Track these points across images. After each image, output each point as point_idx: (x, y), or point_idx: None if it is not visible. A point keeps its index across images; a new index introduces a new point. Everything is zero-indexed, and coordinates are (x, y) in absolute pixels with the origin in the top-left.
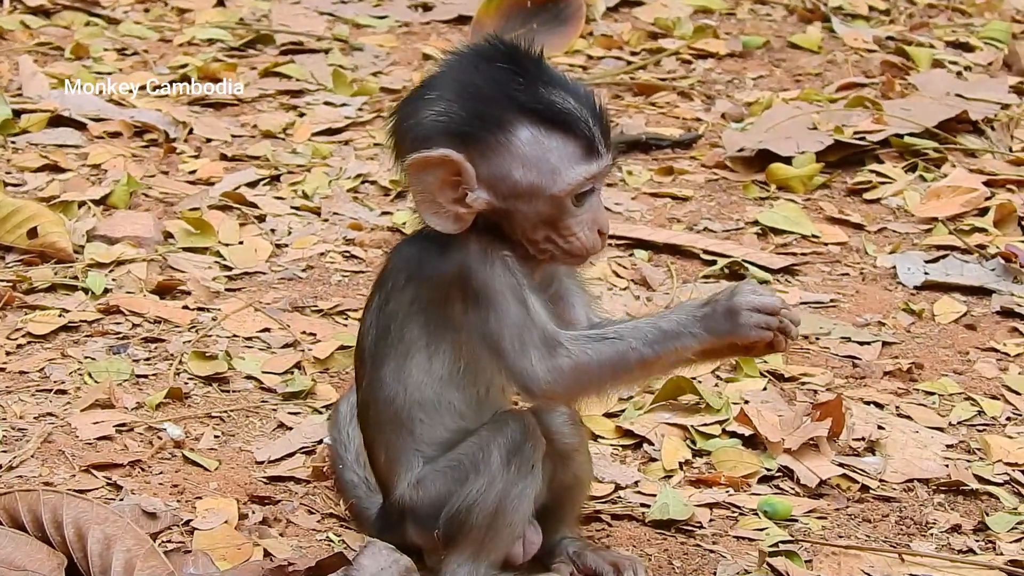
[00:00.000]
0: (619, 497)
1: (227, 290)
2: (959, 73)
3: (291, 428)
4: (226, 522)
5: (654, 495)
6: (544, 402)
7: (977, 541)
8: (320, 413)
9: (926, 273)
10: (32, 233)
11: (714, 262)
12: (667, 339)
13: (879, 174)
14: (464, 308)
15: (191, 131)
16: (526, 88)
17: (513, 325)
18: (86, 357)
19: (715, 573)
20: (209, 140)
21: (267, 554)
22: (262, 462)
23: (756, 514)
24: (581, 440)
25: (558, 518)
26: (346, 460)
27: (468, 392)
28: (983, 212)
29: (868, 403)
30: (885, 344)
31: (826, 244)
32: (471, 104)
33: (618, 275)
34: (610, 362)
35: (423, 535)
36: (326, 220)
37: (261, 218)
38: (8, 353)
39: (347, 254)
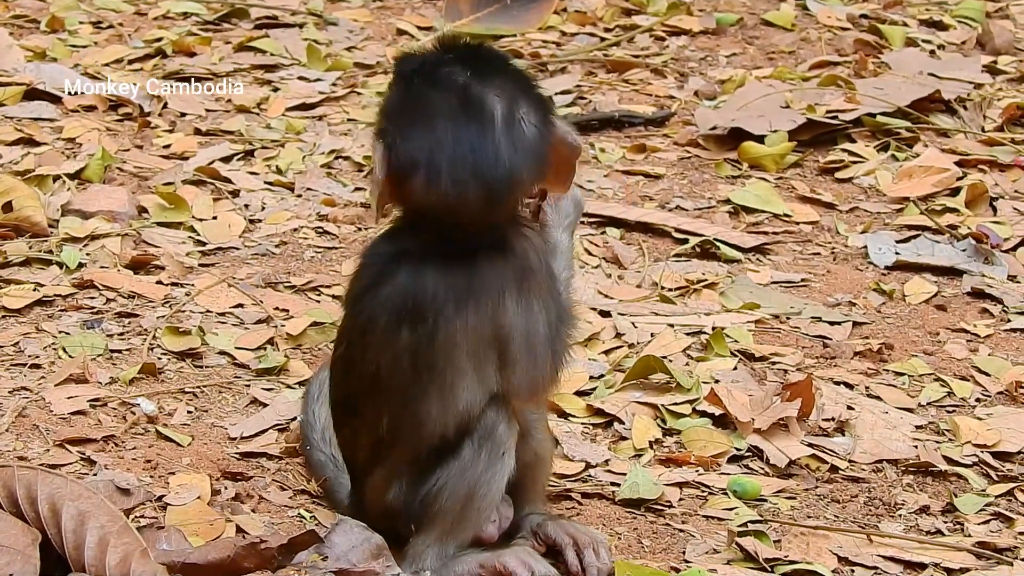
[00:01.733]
0: (589, 476)
1: (200, 265)
2: (932, 52)
3: (264, 404)
4: (199, 498)
5: (624, 474)
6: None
7: (945, 522)
8: (293, 389)
9: (897, 253)
10: (7, 207)
11: (686, 240)
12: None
13: (851, 153)
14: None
15: (165, 105)
16: None
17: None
18: (60, 332)
19: (684, 552)
20: (183, 114)
21: (239, 530)
22: (235, 438)
23: (726, 494)
24: (540, 417)
25: (521, 495)
26: (313, 440)
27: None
28: (955, 192)
29: (838, 383)
30: (856, 324)
31: (798, 223)
32: None
33: (590, 253)
34: None
35: (398, 525)
36: (299, 196)
37: (235, 193)
38: None
39: (320, 230)
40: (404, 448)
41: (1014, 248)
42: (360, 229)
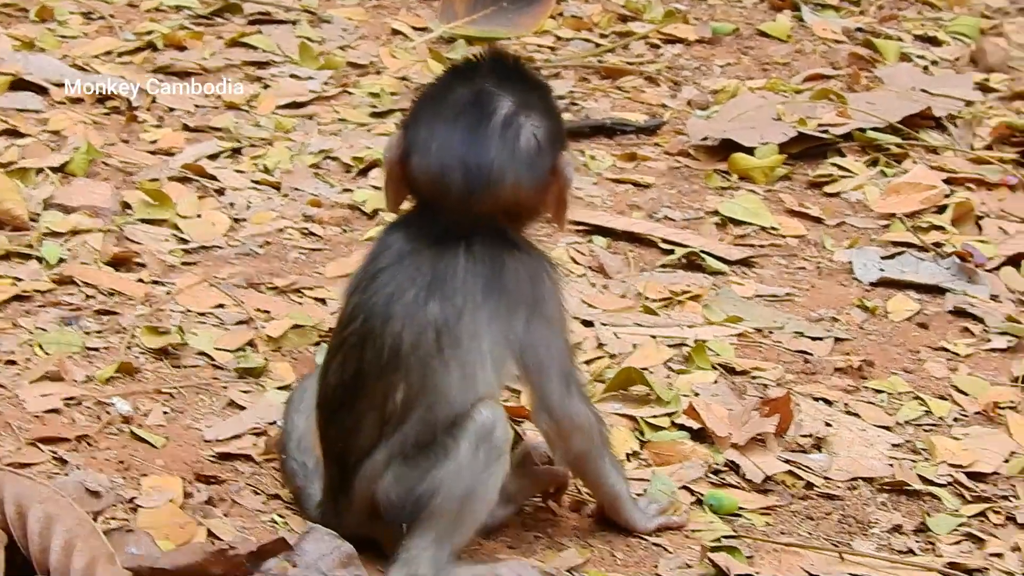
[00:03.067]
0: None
1: (183, 264)
2: (926, 68)
3: (242, 407)
4: (171, 500)
5: None
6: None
7: (917, 542)
8: (265, 390)
9: (881, 270)
10: None
11: (672, 251)
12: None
13: (840, 168)
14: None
15: (154, 100)
16: None
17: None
18: (37, 328)
19: (656, 566)
20: (172, 109)
21: (210, 534)
22: (210, 440)
23: (702, 508)
24: None
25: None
26: (289, 449)
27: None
28: (941, 210)
29: (817, 399)
30: (837, 340)
31: (784, 236)
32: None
33: (576, 261)
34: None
35: (388, 526)
36: (286, 195)
37: (220, 191)
38: None
39: (305, 231)
40: (412, 426)
41: (998, 267)
42: (346, 231)
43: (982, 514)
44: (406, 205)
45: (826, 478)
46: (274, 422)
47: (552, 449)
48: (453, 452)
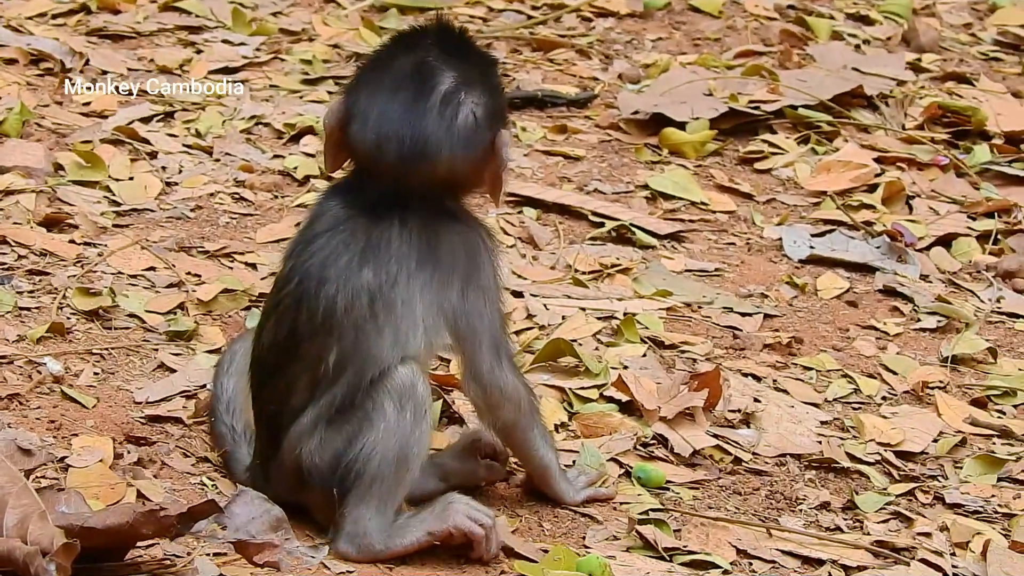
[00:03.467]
0: None
1: (115, 226)
2: (857, 47)
3: (172, 370)
4: (101, 461)
5: None
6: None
7: (845, 519)
8: (195, 354)
9: (811, 247)
10: None
11: (602, 224)
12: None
13: (771, 144)
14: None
15: (87, 62)
16: None
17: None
18: None
19: (584, 537)
20: (104, 72)
21: (140, 495)
22: (140, 402)
23: (630, 480)
24: None
25: None
26: (218, 412)
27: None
28: (872, 188)
29: (746, 375)
30: (767, 316)
31: (714, 212)
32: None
33: (506, 232)
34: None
35: (316, 492)
36: (217, 160)
37: (153, 155)
38: None
39: (236, 196)
40: (340, 388)
41: (928, 248)
42: (277, 197)
43: (910, 493)
44: (343, 171)
45: (754, 454)
46: (204, 385)
47: (480, 418)
48: (379, 414)
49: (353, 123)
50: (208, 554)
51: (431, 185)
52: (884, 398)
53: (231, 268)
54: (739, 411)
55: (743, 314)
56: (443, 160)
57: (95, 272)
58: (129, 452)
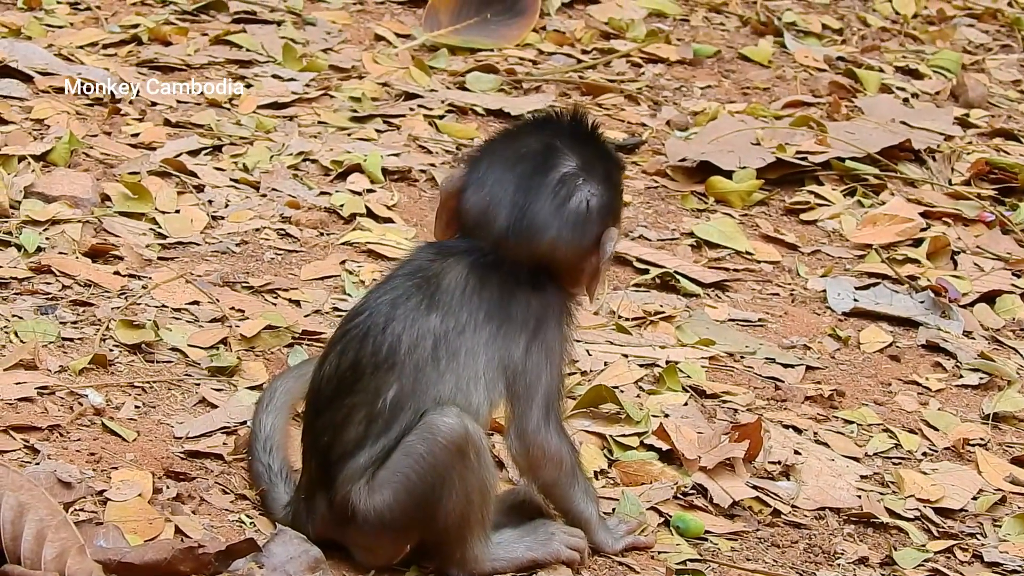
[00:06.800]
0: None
1: (159, 258)
2: (906, 100)
3: (214, 405)
4: (140, 495)
5: None
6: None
7: (883, 575)
8: (236, 389)
9: (855, 300)
10: None
11: (647, 271)
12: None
13: (818, 196)
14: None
15: (137, 93)
16: None
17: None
18: (14, 315)
19: None
20: (154, 104)
21: (178, 531)
22: (180, 437)
23: (668, 530)
24: None
25: None
26: (255, 451)
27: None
28: (917, 243)
29: (787, 427)
30: (809, 368)
31: (759, 262)
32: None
33: None
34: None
35: (362, 532)
36: (264, 195)
37: (199, 188)
38: None
39: (282, 232)
40: (398, 429)
41: (972, 304)
42: (322, 234)
43: (949, 550)
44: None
45: (793, 506)
46: (244, 422)
47: (519, 473)
48: (440, 462)
49: (468, 190)
50: None
51: (531, 262)
52: (925, 454)
53: (275, 304)
54: (779, 463)
55: (785, 365)
56: (547, 239)
57: (139, 304)
58: (168, 487)
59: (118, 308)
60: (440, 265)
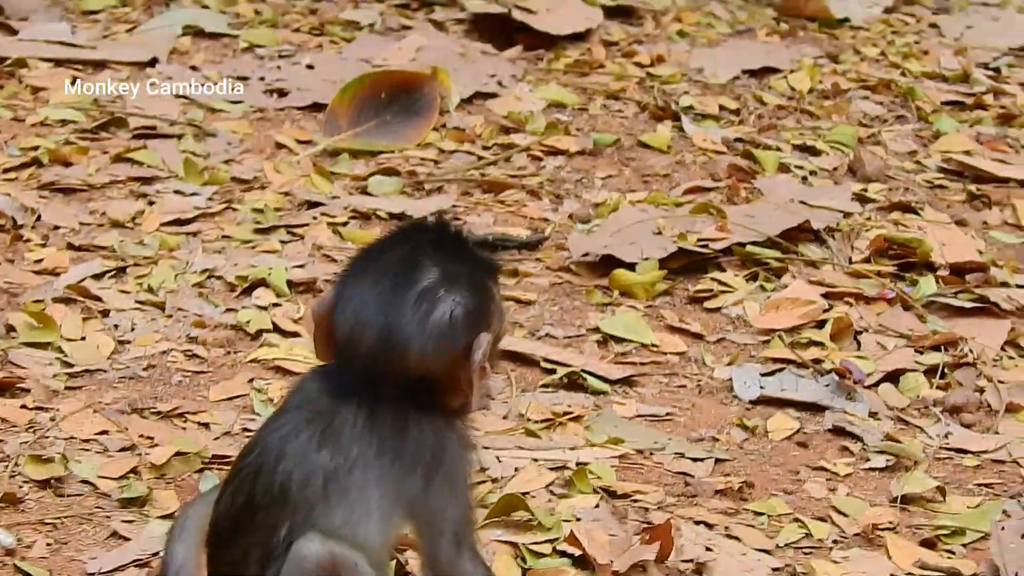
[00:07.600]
0: None
1: (67, 388)
2: (804, 178)
3: (127, 538)
4: None
5: None
6: None
7: None
8: (148, 520)
9: (761, 387)
10: None
11: (554, 371)
12: None
13: (720, 282)
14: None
15: (39, 218)
16: None
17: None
18: None
19: None
20: (57, 227)
21: None
22: (93, 573)
23: None
24: None
25: None
26: None
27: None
28: (821, 325)
29: (698, 523)
30: (718, 461)
31: (665, 354)
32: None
33: None
34: None
35: None
36: (170, 316)
37: (105, 312)
38: None
39: (189, 353)
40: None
41: (876, 384)
42: (229, 352)
43: None
44: None
45: None
46: (156, 553)
47: None
48: None
49: (336, 310)
50: None
51: (404, 378)
52: (835, 541)
53: (184, 429)
54: (691, 561)
55: (694, 459)
56: (414, 356)
57: (47, 438)
58: None
59: (26, 443)
60: (329, 398)
